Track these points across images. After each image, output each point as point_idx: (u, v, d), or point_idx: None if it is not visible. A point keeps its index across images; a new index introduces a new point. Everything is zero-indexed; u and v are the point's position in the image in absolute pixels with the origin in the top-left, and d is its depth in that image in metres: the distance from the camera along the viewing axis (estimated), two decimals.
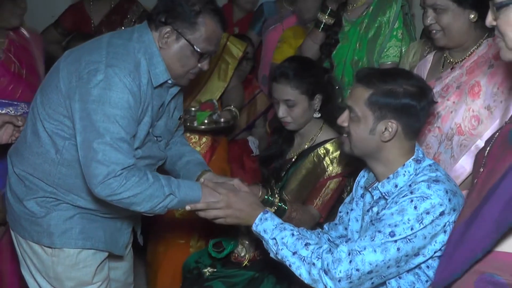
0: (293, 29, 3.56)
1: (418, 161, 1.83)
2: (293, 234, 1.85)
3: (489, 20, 1.37)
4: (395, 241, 1.70)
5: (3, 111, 2.65)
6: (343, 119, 1.88)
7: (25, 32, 2.90)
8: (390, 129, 1.79)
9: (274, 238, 1.86)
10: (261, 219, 1.91)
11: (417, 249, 1.73)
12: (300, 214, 2.29)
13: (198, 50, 2.00)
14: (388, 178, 1.83)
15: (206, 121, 2.87)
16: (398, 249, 1.70)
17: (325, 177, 2.37)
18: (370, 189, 1.91)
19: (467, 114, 2.03)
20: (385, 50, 2.76)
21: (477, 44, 2.09)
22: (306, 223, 2.26)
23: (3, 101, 2.70)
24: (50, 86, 2.00)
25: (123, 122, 1.88)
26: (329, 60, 2.88)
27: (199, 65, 2.06)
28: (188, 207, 1.96)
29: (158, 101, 2.06)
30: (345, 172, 2.37)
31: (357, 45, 2.82)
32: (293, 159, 2.47)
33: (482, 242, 1.29)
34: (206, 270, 2.45)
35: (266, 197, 2.21)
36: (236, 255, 2.47)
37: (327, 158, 2.37)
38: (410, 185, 1.77)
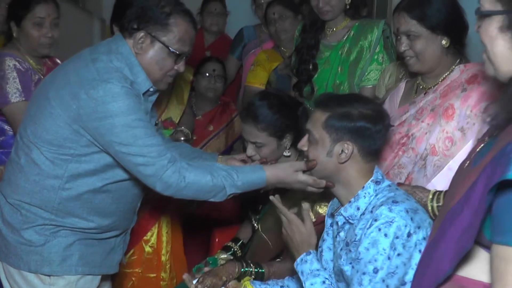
0: (267, 52, 3.61)
1: (377, 182, 1.86)
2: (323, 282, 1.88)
3: (475, 27, 1.38)
4: (383, 280, 1.71)
5: None
6: (303, 144, 1.94)
7: (59, 62, 2.98)
8: (346, 151, 1.84)
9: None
10: (302, 260, 1.93)
11: (402, 278, 1.74)
12: (279, 274, 2.28)
13: (173, 50, 2.05)
14: (350, 202, 1.86)
15: None
16: (387, 286, 1.72)
17: None
18: (335, 215, 1.93)
19: (441, 135, 2.07)
20: (366, 73, 2.80)
21: (450, 70, 2.15)
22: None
23: None
24: (43, 115, 2.01)
25: (139, 123, 1.95)
26: (310, 85, 2.90)
27: (175, 67, 2.10)
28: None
29: (144, 110, 2.09)
30: (324, 217, 2.31)
31: (339, 69, 2.85)
32: (270, 192, 2.42)
33: (445, 266, 1.30)
34: None
35: (242, 270, 2.24)
36: None
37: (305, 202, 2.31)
38: (371, 211, 1.79)
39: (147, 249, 2.86)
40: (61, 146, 1.98)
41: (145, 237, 2.86)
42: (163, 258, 2.88)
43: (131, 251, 2.81)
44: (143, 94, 2.07)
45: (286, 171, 2.04)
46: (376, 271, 1.71)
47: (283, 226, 1.98)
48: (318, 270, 1.89)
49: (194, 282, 2.18)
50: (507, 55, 1.30)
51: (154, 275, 2.87)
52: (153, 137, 1.97)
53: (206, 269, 2.31)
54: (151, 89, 2.10)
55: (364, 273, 1.73)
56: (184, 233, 3.03)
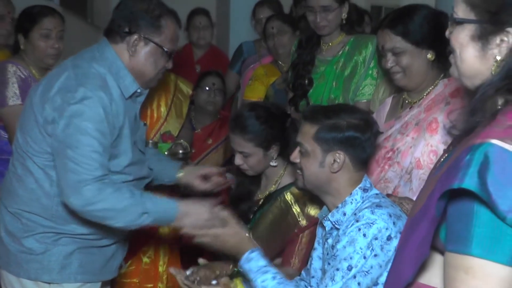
0: (266, 67, 3.65)
1: (365, 190, 1.89)
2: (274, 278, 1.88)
3: (447, 33, 1.40)
4: (354, 276, 1.74)
5: None
6: (295, 156, 1.97)
7: None
8: (338, 160, 1.87)
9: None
10: (246, 258, 1.95)
11: (375, 279, 1.77)
12: None
13: (167, 50, 2.13)
14: (337, 207, 1.90)
15: (166, 152, 2.89)
16: (358, 284, 1.74)
17: (297, 229, 2.35)
18: (323, 221, 1.96)
19: (425, 149, 2.09)
20: (361, 88, 2.81)
21: (434, 84, 2.18)
22: None
23: None
24: (29, 123, 2.07)
25: (95, 134, 1.97)
26: (306, 99, 2.93)
27: (166, 64, 2.19)
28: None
29: (132, 112, 2.15)
30: (316, 219, 2.33)
31: (334, 83, 2.87)
32: (260, 202, 2.48)
33: (407, 274, 1.31)
34: None
35: (235, 269, 2.24)
36: None
37: (296, 206, 2.35)
38: (355, 214, 1.83)
39: (145, 259, 2.90)
40: (49, 154, 2.04)
41: (143, 248, 2.90)
42: (160, 269, 2.92)
43: (129, 262, 2.85)
44: (131, 96, 2.13)
45: (195, 204, 2.09)
46: (350, 268, 1.74)
47: (212, 243, 2.04)
48: (265, 266, 1.91)
49: (188, 272, 2.17)
50: (473, 64, 1.32)
51: (151, 285, 2.91)
52: (97, 153, 1.97)
53: (202, 260, 2.31)
54: (138, 90, 2.16)
55: (337, 269, 1.76)
56: (181, 244, 3.07)
